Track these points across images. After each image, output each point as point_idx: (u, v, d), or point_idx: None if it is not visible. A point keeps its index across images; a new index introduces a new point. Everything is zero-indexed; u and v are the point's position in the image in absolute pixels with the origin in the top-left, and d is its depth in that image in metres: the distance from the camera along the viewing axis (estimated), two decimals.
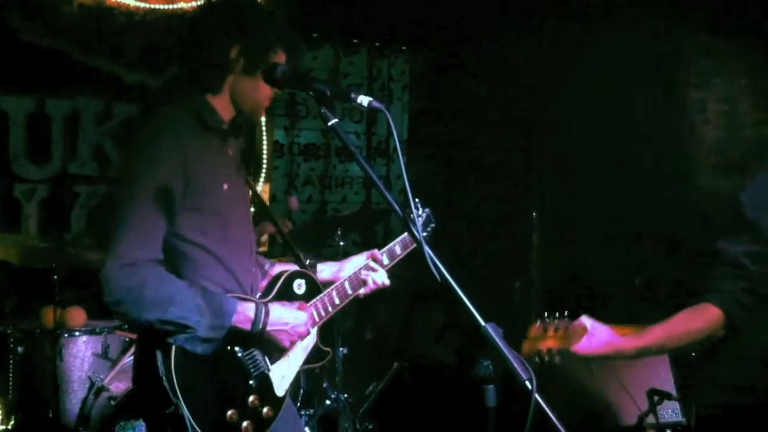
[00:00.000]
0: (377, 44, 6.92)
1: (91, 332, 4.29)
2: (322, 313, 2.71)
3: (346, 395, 4.70)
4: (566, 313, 2.54)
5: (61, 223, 5.24)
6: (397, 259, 2.97)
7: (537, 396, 1.78)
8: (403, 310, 6.61)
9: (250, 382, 2.47)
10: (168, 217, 2.34)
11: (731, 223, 2.53)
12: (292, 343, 2.54)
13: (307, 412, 4.59)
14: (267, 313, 2.43)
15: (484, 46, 6.50)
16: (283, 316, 2.47)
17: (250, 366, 2.47)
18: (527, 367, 1.81)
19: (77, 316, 4.38)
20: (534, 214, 5.28)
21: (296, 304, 2.57)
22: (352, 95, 1.99)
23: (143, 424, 2.38)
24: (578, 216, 5.87)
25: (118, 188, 2.36)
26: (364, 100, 1.97)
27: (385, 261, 2.92)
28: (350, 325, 6.15)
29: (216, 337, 2.32)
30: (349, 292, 2.79)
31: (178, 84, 2.55)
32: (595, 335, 2.49)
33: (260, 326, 2.41)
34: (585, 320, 2.49)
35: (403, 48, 7.08)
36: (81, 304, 4.49)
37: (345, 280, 2.78)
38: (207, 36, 2.45)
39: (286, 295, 2.62)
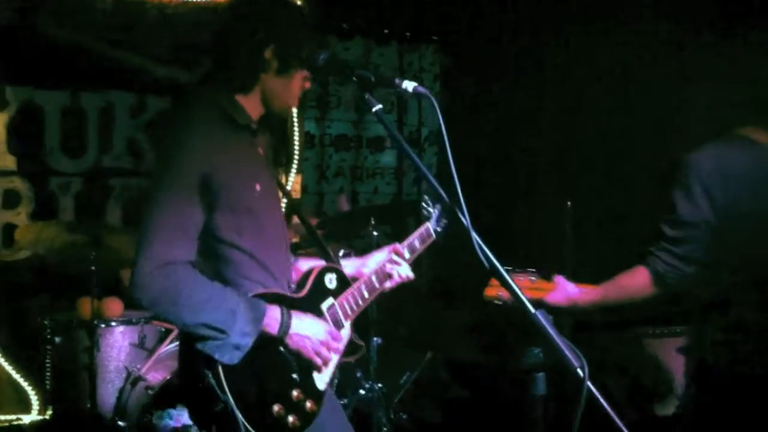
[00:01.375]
0: (407, 35, 6.89)
1: (128, 322, 4.32)
2: (354, 307, 2.70)
3: (380, 385, 4.68)
4: (533, 270, 3.06)
5: (96, 216, 5.27)
6: (417, 252, 2.98)
7: (589, 383, 1.76)
8: (433, 308, 6.59)
9: (294, 375, 2.44)
10: (202, 217, 2.33)
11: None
12: (324, 362, 2.49)
13: (341, 402, 4.58)
14: (290, 317, 2.41)
15: (517, 37, 6.45)
16: (304, 325, 2.44)
17: (293, 360, 2.44)
18: (579, 354, 1.79)
19: (114, 306, 4.40)
20: (568, 204, 5.23)
21: (310, 315, 2.52)
22: (397, 81, 1.98)
23: (180, 411, 2.37)
24: (613, 208, 5.82)
25: (151, 186, 2.33)
26: (409, 85, 1.96)
27: (407, 255, 2.92)
28: (382, 319, 6.14)
29: (246, 343, 2.29)
30: (377, 285, 2.79)
31: (209, 81, 2.52)
32: (559, 290, 3.05)
33: (286, 331, 2.39)
34: (558, 277, 3.06)
35: (434, 38, 7.04)
36: (118, 294, 4.51)
37: (372, 274, 2.78)
38: (240, 36, 2.43)
39: (319, 289, 2.61)
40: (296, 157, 6.11)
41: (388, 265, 2.84)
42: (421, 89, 1.95)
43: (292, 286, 2.60)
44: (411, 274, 2.88)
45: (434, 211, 3.11)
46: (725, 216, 2.86)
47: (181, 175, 2.29)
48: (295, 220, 5.75)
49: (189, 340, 2.32)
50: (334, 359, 2.57)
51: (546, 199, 6.06)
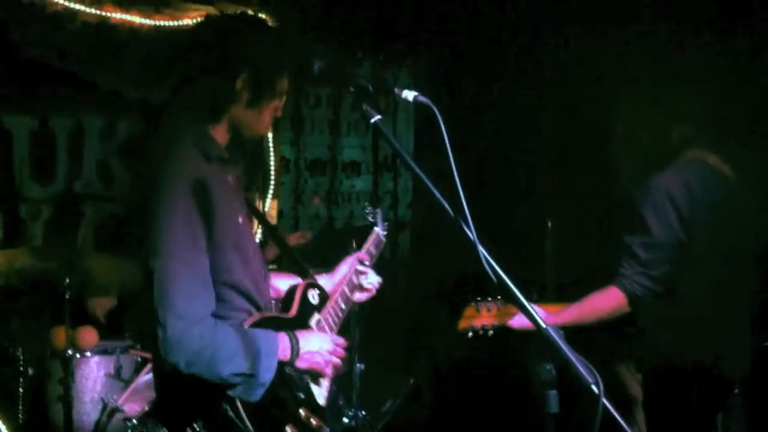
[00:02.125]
0: (380, 57, 6.86)
1: (103, 352, 4.21)
2: (336, 320, 2.73)
3: (363, 413, 4.60)
4: (498, 297, 3.17)
5: (67, 243, 5.14)
6: (374, 258, 3.12)
7: (605, 400, 1.70)
8: (408, 327, 6.53)
9: (300, 395, 2.41)
10: (209, 262, 2.27)
11: (632, 221, 3.14)
12: (334, 370, 2.51)
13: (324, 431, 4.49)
14: (298, 340, 2.40)
15: (489, 52, 6.46)
16: (312, 342, 2.44)
17: (296, 381, 2.42)
18: (592, 370, 1.73)
19: (89, 336, 4.29)
20: (549, 222, 5.21)
21: (314, 331, 2.55)
22: (396, 90, 1.90)
23: None
24: (593, 224, 5.80)
25: (155, 238, 2.19)
26: (409, 94, 1.88)
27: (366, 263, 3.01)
28: (364, 344, 6.09)
29: (269, 379, 2.26)
30: (350, 296, 2.85)
31: (178, 112, 2.42)
32: None
33: (297, 354, 2.38)
34: None
35: (406, 58, 7.02)
36: (91, 323, 4.40)
37: (344, 286, 2.82)
38: (206, 64, 2.33)
39: (305, 307, 2.62)
40: (272, 182, 6.04)
41: (357, 275, 2.89)
42: (422, 98, 1.88)
43: (276, 305, 2.58)
44: (379, 278, 2.95)
45: (378, 217, 3.33)
46: (693, 235, 3.08)
47: (185, 225, 2.20)
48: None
49: (185, 377, 2.21)
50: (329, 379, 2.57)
51: (545, 201, 6.02)
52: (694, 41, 4.96)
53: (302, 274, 2.77)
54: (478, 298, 3.21)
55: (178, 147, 2.31)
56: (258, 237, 5.43)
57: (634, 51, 5.49)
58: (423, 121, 7.03)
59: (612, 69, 5.63)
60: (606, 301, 3.14)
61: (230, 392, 2.21)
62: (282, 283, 2.75)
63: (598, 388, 1.71)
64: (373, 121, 1.92)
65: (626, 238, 3.14)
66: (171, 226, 2.19)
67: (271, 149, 6.04)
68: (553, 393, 1.76)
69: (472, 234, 1.82)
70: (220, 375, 2.18)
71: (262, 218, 2.97)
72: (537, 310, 2.87)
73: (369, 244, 3.14)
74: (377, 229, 3.26)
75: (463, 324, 3.19)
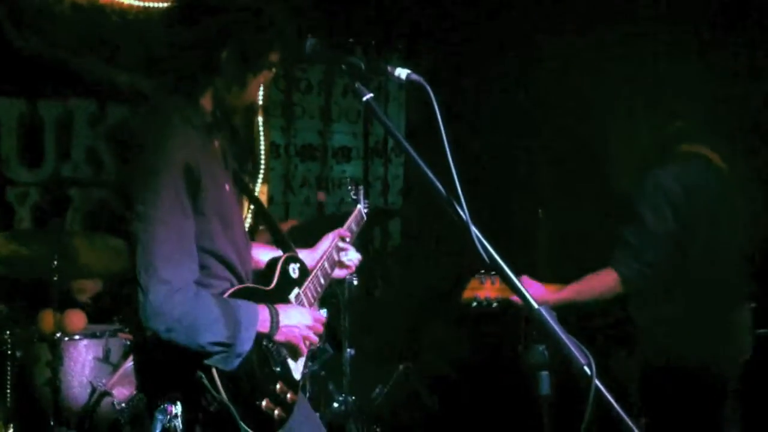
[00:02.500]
0: (373, 43, 6.82)
1: (92, 336, 4.16)
2: (315, 294, 2.75)
3: (353, 398, 4.59)
4: None
5: (55, 227, 5.09)
6: (355, 234, 3.17)
7: (597, 381, 1.69)
8: (405, 319, 6.53)
9: (276, 368, 2.43)
10: (195, 228, 2.27)
11: (626, 213, 3.33)
12: (310, 345, 2.52)
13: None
14: (278, 313, 2.40)
15: (483, 43, 6.43)
16: (292, 316, 2.46)
17: (273, 354, 2.43)
18: (585, 351, 1.72)
19: (77, 319, 4.25)
20: (540, 212, 5.20)
21: (295, 305, 2.58)
22: (389, 69, 1.89)
23: (169, 405, 2.26)
24: (585, 215, 5.80)
25: (140, 205, 2.19)
26: (402, 72, 1.88)
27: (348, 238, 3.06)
28: (354, 330, 6.08)
29: (247, 349, 2.27)
30: (330, 272, 2.89)
31: (165, 86, 2.41)
32: (529, 289, 3.10)
33: (276, 327, 2.39)
34: (524, 278, 3.20)
35: (399, 47, 6.98)
36: (79, 307, 4.37)
37: (324, 261, 2.85)
38: (193, 36, 2.32)
39: (285, 280, 2.63)
40: (262, 167, 6.02)
41: (337, 251, 2.93)
42: (415, 77, 1.87)
43: (250, 278, 2.57)
44: (359, 256, 3.02)
45: (360, 195, 3.43)
46: (687, 228, 3.24)
47: (171, 190, 2.20)
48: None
49: (162, 345, 2.22)
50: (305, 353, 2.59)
51: (518, 207, 6.03)
52: (691, 42, 4.99)
53: (283, 247, 2.78)
54: (482, 271, 3.32)
55: (164, 115, 2.33)
56: (248, 219, 5.43)
57: (631, 51, 5.50)
58: (414, 110, 7.01)
59: (609, 68, 5.64)
60: (601, 281, 3.31)
61: (206, 360, 2.20)
62: (263, 254, 2.76)
63: (591, 369, 1.70)
64: (365, 99, 1.92)
65: (622, 229, 3.31)
66: (158, 191, 2.19)
67: (261, 134, 6.01)
68: (545, 374, 1.75)
69: (464, 214, 1.81)
70: (199, 343, 2.17)
71: (250, 194, 2.95)
72: (537, 287, 3.28)
73: (350, 221, 3.18)
74: (359, 206, 3.30)
75: (467, 294, 3.28)
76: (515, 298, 3.12)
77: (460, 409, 5.23)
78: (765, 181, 3.91)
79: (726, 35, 5.10)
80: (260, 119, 5.88)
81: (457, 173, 1.82)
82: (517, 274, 3.38)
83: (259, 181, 6.00)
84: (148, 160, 2.24)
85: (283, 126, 6.44)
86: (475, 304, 3.27)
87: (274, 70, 2.49)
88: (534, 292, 3.25)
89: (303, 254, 2.86)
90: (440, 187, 1.85)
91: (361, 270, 6.47)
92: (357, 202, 3.36)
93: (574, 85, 5.71)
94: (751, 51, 5.01)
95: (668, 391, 3.29)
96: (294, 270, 2.67)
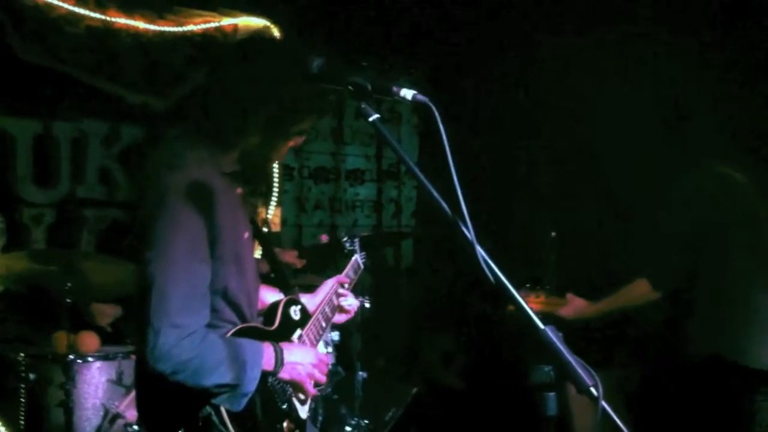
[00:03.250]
0: (385, 66, 6.85)
1: (105, 358, 4.16)
2: (318, 337, 2.77)
3: (366, 421, 4.57)
4: (547, 287, 3.81)
5: (70, 248, 5.11)
6: (353, 282, 3.24)
7: (603, 403, 1.67)
8: (409, 335, 6.51)
9: (283, 406, 2.42)
10: (210, 272, 2.25)
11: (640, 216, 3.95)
12: (316, 386, 2.50)
13: None
14: (282, 351, 2.39)
15: (488, 63, 6.45)
16: (296, 354, 2.44)
17: (278, 392, 2.41)
18: (591, 372, 1.71)
19: (90, 341, 4.25)
20: (552, 234, 5.18)
21: (298, 344, 2.58)
22: (394, 89, 1.88)
23: None
24: (598, 235, 5.78)
25: (157, 242, 2.16)
26: (407, 93, 1.86)
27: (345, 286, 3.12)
28: (365, 353, 6.07)
29: (252, 389, 2.25)
30: (330, 316, 2.93)
31: (191, 128, 2.39)
32: (572, 304, 3.77)
33: (281, 364, 2.37)
34: (569, 294, 3.77)
35: (411, 70, 7.01)
36: (93, 328, 4.37)
37: (324, 305, 2.88)
38: (234, 92, 2.30)
39: (287, 321, 2.63)
40: (276, 189, 6.03)
41: (337, 297, 2.99)
42: (421, 97, 1.86)
43: (255, 319, 2.57)
44: (357, 302, 3.10)
45: (357, 246, 3.58)
46: (714, 231, 3.56)
47: (191, 236, 2.18)
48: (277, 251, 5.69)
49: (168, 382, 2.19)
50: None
51: (530, 228, 6.01)
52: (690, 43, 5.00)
53: (285, 289, 2.79)
54: (527, 285, 3.71)
55: (190, 158, 2.29)
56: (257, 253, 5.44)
57: (631, 52, 5.50)
58: (427, 131, 7.02)
59: (611, 70, 5.64)
60: (636, 290, 3.65)
61: (214, 400, 2.19)
62: (268, 295, 2.79)
63: (597, 390, 1.69)
64: (371, 119, 1.90)
65: (648, 235, 3.75)
66: (177, 235, 2.17)
67: None
68: (552, 395, 1.73)
69: (470, 234, 1.80)
70: (204, 385, 2.16)
71: (258, 232, 2.95)
72: (579, 301, 3.69)
73: (348, 269, 3.27)
74: (356, 256, 3.39)
75: (512, 307, 3.43)
76: (560, 312, 3.69)
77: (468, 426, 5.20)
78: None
79: (726, 35, 5.15)
80: None
81: (462, 192, 1.82)
82: (533, 285, 3.72)
83: (273, 204, 6.01)
84: (170, 203, 2.19)
85: (296, 148, 6.46)
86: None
87: (303, 137, 2.49)
88: (577, 304, 3.76)
89: (304, 298, 2.88)
90: (446, 206, 1.84)
91: (373, 291, 6.49)
92: (354, 252, 3.48)
93: (575, 85, 5.73)
94: (752, 51, 5.07)
95: (707, 385, 3.54)
96: (295, 312, 2.68)
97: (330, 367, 4.30)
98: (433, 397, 5.58)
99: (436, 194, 1.85)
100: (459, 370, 5.98)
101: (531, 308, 3.43)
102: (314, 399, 2.63)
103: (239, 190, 2.45)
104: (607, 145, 5.64)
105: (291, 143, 2.46)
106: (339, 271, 4.73)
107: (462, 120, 6.35)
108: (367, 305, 4.54)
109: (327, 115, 2.23)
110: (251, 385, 2.23)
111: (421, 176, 1.88)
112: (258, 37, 2.40)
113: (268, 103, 2.30)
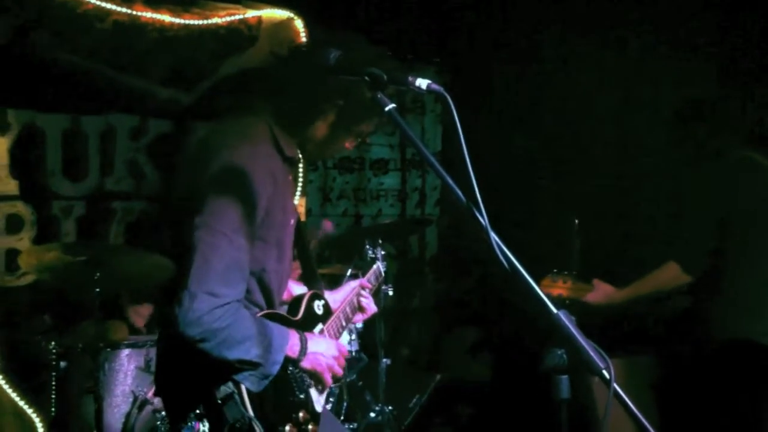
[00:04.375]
0: (409, 56, 6.87)
1: (134, 346, 4.23)
2: (337, 334, 2.80)
3: (390, 408, 4.61)
4: (574, 272, 3.82)
5: (99, 240, 5.21)
6: (373, 288, 3.24)
7: (615, 385, 1.70)
8: (434, 327, 6.55)
9: (300, 396, 2.45)
10: (250, 252, 2.28)
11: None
12: (333, 378, 2.53)
13: (351, 426, 4.52)
14: (306, 340, 2.43)
15: (515, 55, 6.45)
16: (320, 345, 2.49)
17: (298, 381, 2.45)
18: (603, 355, 1.73)
19: (119, 330, 4.34)
20: (576, 222, 5.19)
21: (324, 336, 2.63)
22: (410, 79, 1.92)
23: (196, 422, 2.29)
24: (622, 224, 5.78)
25: (207, 212, 2.18)
26: (422, 83, 1.90)
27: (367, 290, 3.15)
28: (387, 342, 6.11)
29: (275, 372, 2.29)
30: (350, 316, 2.97)
31: (255, 105, 2.45)
32: (599, 290, 3.79)
33: (304, 353, 2.41)
34: (595, 280, 3.80)
35: (436, 60, 7.03)
36: (121, 317, 4.46)
37: (346, 305, 2.92)
38: (315, 81, 2.33)
39: (310, 315, 2.67)
40: (301, 179, 6.08)
41: (358, 298, 3.03)
42: (435, 86, 1.90)
43: (284, 308, 2.62)
44: (375, 308, 3.11)
45: (378, 254, 3.66)
46: (743, 216, 3.63)
47: (243, 211, 2.21)
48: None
49: (194, 360, 2.25)
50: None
51: (553, 216, 6.02)
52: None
53: (311, 282, 2.83)
54: (555, 270, 3.73)
55: (260, 132, 2.35)
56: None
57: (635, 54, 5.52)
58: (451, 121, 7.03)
59: (640, 60, 5.64)
60: (666, 275, 3.68)
61: (236, 376, 2.23)
62: (293, 287, 2.84)
63: (609, 373, 1.72)
64: (387, 109, 1.95)
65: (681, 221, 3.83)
66: (230, 207, 2.19)
67: None
68: (565, 378, 1.76)
69: (483, 220, 1.84)
70: (228, 358, 2.18)
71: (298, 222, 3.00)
72: (607, 287, 3.73)
73: (370, 275, 3.29)
74: (378, 264, 3.44)
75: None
76: (588, 298, 3.74)
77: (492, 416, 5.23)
78: None
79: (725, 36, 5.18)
80: None
81: (476, 179, 1.85)
82: (559, 270, 3.75)
83: (298, 193, 6.06)
84: (233, 176, 2.22)
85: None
86: None
87: (360, 139, 2.55)
88: (605, 290, 3.79)
89: (326, 295, 2.91)
90: (460, 193, 1.87)
91: (398, 280, 6.53)
92: (376, 260, 3.55)
93: (602, 75, 5.75)
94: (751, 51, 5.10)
95: (736, 368, 3.61)
96: (318, 307, 2.72)
97: (354, 354, 4.36)
98: (456, 387, 5.62)
99: (450, 182, 1.90)
100: (484, 360, 6.01)
101: (554, 293, 3.57)
102: (330, 392, 2.67)
103: (290, 178, 2.50)
104: (632, 132, 5.65)
105: (347, 143, 2.52)
106: (362, 260, 4.82)
107: (485, 109, 6.37)
108: (390, 293, 4.59)
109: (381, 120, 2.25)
110: (274, 367, 2.27)
111: (437, 164, 1.92)
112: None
113: (343, 97, 2.35)
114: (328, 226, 5.43)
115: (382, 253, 3.76)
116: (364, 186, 6.76)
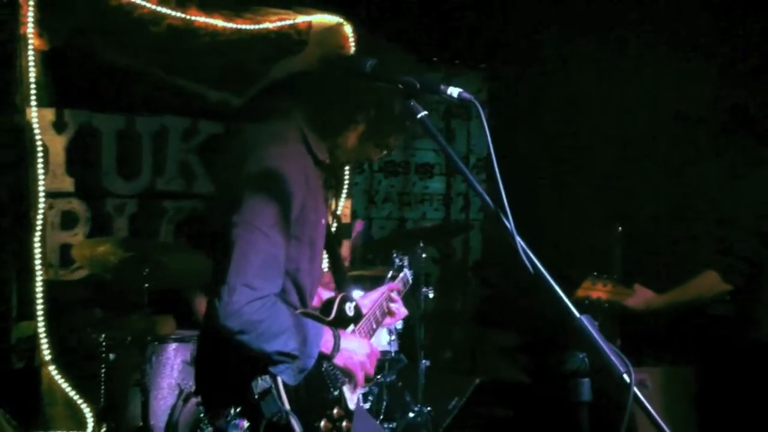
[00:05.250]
0: (456, 62, 6.93)
1: (180, 340, 4.35)
2: (368, 336, 2.85)
3: (428, 408, 4.66)
4: (614, 276, 3.80)
5: (150, 238, 5.36)
6: (402, 294, 3.26)
7: (635, 389, 1.74)
8: (476, 330, 6.58)
9: (335, 393, 2.52)
10: (286, 250, 2.37)
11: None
12: (366, 378, 2.60)
13: (390, 426, 4.58)
14: (339, 337, 2.51)
15: (559, 59, 6.46)
16: (353, 343, 2.56)
17: (332, 378, 2.52)
18: (624, 360, 1.78)
19: (167, 324, 4.47)
20: (619, 228, 5.19)
21: (356, 335, 2.69)
22: (442, 87, 1.98)
23: (240, 420, 2.38)
24: (663, 231, 5.75)
25: (246, 211, 2.29)
26: (453, 91, 1.97)
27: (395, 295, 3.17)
28: (428, 344, 6.16)
29: (310, 365, 2.37)
30: (380, 319, 3.00)
31: (293, 105, 2.56)
32: (639, 295, 3.78)
33: (338, 350, 2.49)
34: (636, 285, 3.79)
35: (481, 66, 7.07)
36: (170, 312, 4.58)
37: (377, 309, 2.95)
38: (349, 91, 2.44)
39: (342, 316, 2.74)
40: (346, 182, 6.17)
41: (387, 302, 3.04)
42: (466, 95, 1.96)
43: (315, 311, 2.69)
44: (405, 311, 3.12)
45: (405, 262, 3.63)
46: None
47: (280, 209, 2.31)
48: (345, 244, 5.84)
49: (233, 355, 2.34)
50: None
51: (598, 222, 6.01)
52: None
53: (341, 285, 2.90)
54: (595, 273, 3.74)
55: (293, 140, 2.45)
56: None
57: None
58: (500, 126, 7.07)
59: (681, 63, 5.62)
60: (704, 283, 3.71)
61: (273, 369, 2.30)
62: (323, 292, 2.89)
63: (630, 377, 1.76)
64: (419, 116, 2.01)
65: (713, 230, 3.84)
66: (268, 205, 2.29)
67: None
68: (586, 381, 1.81)
69: (509, 224, 1.89)
70: (266, 350, 2.27)
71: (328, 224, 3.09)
72: (648, 292, 3.74)
73: (398, 281, 3.34)
74: (405, 271, 3.48)
75: (580, 293, 3.69)
76: (627, 303, 3.75)
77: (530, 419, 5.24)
78: None
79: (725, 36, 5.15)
80: None
81: (503, 184, 1.91)
82: (611, 277, 3.78)
83: (343, 196, 6.16)
84: (268, 176, 2.32)
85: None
86: (587, 302, 3.68)
87: (387, 152, 2.64)
88: (645, 295, 3.78)
89: (357, 297, 2.97)
90: (488, 198, 1.94)
91: (441, 283, 6.58)
92: (403, 267, 3.56)
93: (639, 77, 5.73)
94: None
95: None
96: (350, 309, 2.78)
97: (393, 354, 4.43)
98: (496, 390, 5.64)
99: (478, 187, 1.96)
100: (525, 364, 6.03)
101: (594, 296, 3.61)
102: (369, 391, 2.71)
103: (321, 182, 2.59)
104: (671, 139, 5.63)
105: (374, 153, 2.62)
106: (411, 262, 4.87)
107: (524, 115, 6.39)
108: (431, 295, 4.65)
109: (408, 136, 2.35)
110: (309, 361, 2.35)
111: (466, 170, 2.00)
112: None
113: (375, 107, 2.44)
114: (359, 225, 5.50)
115: (414, 259, 3.79)
116: (408, 190, 6.82)
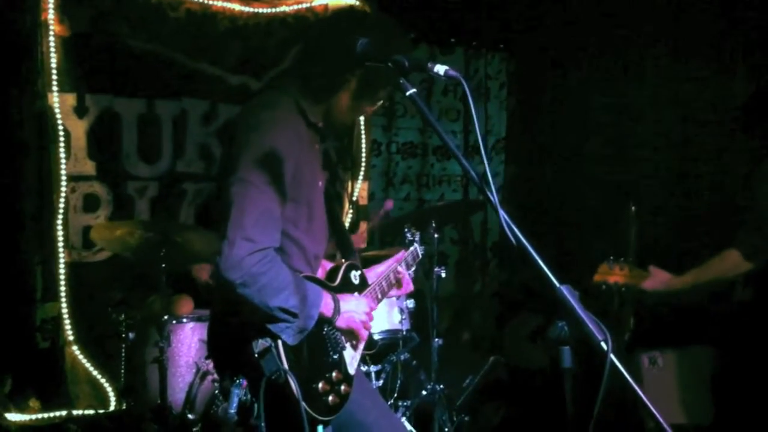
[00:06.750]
0: (474, 43, 6.94)
1: (198, 319, 4.42)
2: (374, 305, 2.88)
3: (441, 386, 4.71)
4: (631, 259, 3.70)
5: (170, 219, 5.46)
6: (411, 267, 3.30)
7: (612, 356, 1.79)
8: (497, 313, 6.61)
9: (335, 356, 2.59)
10: (281, 207, 2.45)
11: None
12: (366, 330, 2.69)
13: (404, 404, 4.64)
14: (339, 300, 2.59)
15: (581, 44, 6.45)
16: (351, 303, 2.64)
17: (332, 341, 2.59)
18: (602, 328, 1.82)
19: (185, 304, 4.55)
20: (633, 208, 5.19)
21: (354, 295, 2.75)
22: (429, 65, 2.03)
23: (243, 380, 2.45)
24: (679, 211, 5.75)
25: (241, 170, 2.38)
26: (440, 69, 2.01)
27: (406, 268, 3.20)
28: (446, 325, 6.21)
29: (310, 326, 2.44)
30: (386, 290, 3.03)
31: (286, 79, 2.66)
32: (656, 277, 3.65)
33: (338, 313, 2.57)
34: (652, 267, 3.65)
35: (501, 46, 7.07)
36: (188, 292, 4.66)
37: (383, 280, 2.99)
38: (334, 51, 2.51)
39: (346, 283, 2.80)
40: (363, 164, 6.23)
41: (395, 273, 3.08)
42: (453, 72, 2.01)
43: (317, 275, 2.74)
44: (411, 285, 3.14)
45: (416, 237, 3.69)
46: None
47: (274, 168, 2.39)
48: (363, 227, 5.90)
49: (237, 314, 2.42)
50: (360, 348, 2.75)
51: (615, 204, 6.02)
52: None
53: (347, 253, 2.97)
54: (611, 257, 3.68)
55: (284, 106, 2.54)
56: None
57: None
58: (516, 109, 7.08)
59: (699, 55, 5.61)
60: (725, 262, 3.61)
61: (273, 328, 2.37)
62: (329, 266, 2.93)
63: (607, 344, 1.80)
64: (408, 93, 2.06)
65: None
66: (262, 163, 2.38)
67: (363, 133, 6.22)
68: (567, 348, 1.86)
69: (493, 197, 1.95)
70: (268, 304, 2.34)
71: (327, 193, 3.15)
72: (664, 274, 3.63)
73: (407, 254, 3.36)
74: (416, 245, 3.49)
75: (597, 278, 3.64)
76: (645, 285, 3.64)
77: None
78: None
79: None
80: (362, 118, 6.08)
81: (488, 157, 1.96)
82: (627, 261, 3.78)
83: (361, 177, 6.22)
84: (259, 137, 2.42)
85: (384, 125, 6.65)
86: (604, 287, 3.64)
87: (379, 104, 2.72)
88: (662, 277, 3.65)
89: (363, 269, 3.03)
90: (474, 175, 1.99)
91: (459, 265, 6.61)
92: (414, 242, 3.61)
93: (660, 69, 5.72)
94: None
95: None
96: (355, 277, 2.85)
97: (405, 333, 4.49)
98: (511, 371, 5.69)
99: (467, 164, 2.02)
100: (544, 346, 6.05)
101: (611, 280, 3.58)
102: (382, 369, 2.75)
103: (317, 146, 2.68)
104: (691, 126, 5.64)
105: (369, 109, 2.69)
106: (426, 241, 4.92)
107: (544, 97, 6.40)
108: (443, 275, 4.69)
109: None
110: (309, 322, 2.42)
111: (454, 148, 2.04)
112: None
113: (366, 69, 2.48)
114: (389, 204, 5.54)
115: (426, 236, 3.84)
116: (427, 171, 6.85)
